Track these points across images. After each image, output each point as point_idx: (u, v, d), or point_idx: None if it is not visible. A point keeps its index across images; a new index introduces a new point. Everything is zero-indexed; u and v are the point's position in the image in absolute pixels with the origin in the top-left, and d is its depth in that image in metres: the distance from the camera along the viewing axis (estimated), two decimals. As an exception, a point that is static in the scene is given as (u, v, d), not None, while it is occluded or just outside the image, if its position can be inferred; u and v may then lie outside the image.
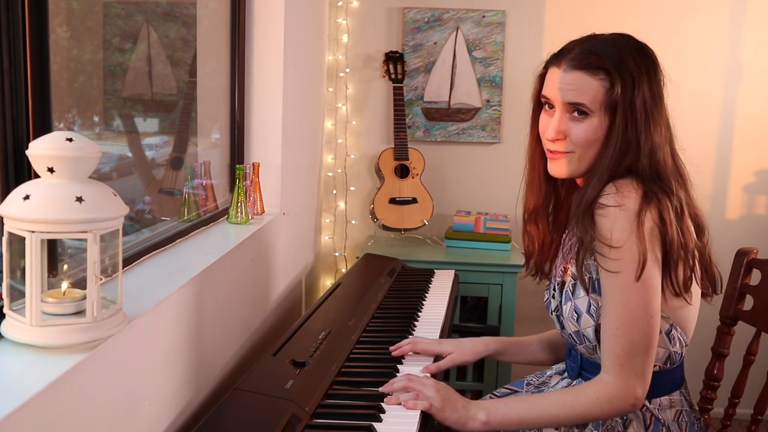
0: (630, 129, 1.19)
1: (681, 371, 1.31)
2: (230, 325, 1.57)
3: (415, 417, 1.16)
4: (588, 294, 1.24)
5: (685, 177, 1.26)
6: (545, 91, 1.27)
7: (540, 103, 1.31)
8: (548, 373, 1.49)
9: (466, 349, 1.47)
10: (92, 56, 1.35)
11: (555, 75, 1.24)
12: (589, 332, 1.25)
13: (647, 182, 1.19)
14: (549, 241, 1.39)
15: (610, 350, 1.18)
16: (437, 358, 1.45)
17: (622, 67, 1.20)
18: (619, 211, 1.15)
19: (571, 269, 1.29)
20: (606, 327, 1.19)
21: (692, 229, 1.21)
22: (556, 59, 1.26)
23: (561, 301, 1.31)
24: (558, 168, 1.27)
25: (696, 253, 1.21)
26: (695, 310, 1.28)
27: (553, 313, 1.35)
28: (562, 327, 1.32)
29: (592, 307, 1.24)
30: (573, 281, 1.27)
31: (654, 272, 1.16)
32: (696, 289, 1.25)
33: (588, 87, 1.20)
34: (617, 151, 1.20)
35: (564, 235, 1.38)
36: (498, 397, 1.51)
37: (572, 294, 1.27)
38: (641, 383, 1.18)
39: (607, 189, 1.19)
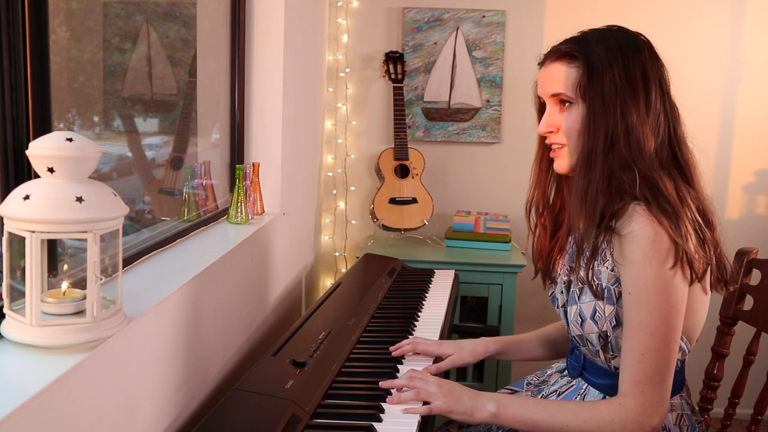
0: (600, 112, 1.19)
1: (682, 376, 1.31)
2: (230, 324, 1.57)
3: (415, 417, 1.17)
4: (595, 300, 1.23)
5: (689, 166, 1.23)
6: (537, 92, 1.32)
7: (542, 107, 1.33)
8: (548, 372, 1.49)
9: (466, 350, 1.47)
10: (92, 56, 1.35)
11: (540, 73, 1.30)
12: (593, 338, 1.24)
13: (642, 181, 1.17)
14: (553, 246, 1.38)
15: (632, 376, 1.16)
16: (437, 359, 1.45)
17: (588, 51, 1.21)
18: (645, 241, 1.13)
19: (580, 272, 1.27)
20: (630, 351, 1.16)
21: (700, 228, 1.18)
22: (542, 60, 1.31)
23: (567, 301, 1.30)
24: (559, 163, 1.29)
25: (712, 249, 1.18)
26: (703, 317, 1.26)
27: (560, 308, 1.35)
28: (568, 324, 1.32)
29: (597, 313, 1.22)
30: (580, 285, 1.26)
31: (683, 296, 1.16)
32: (705, 296, 1.24)
33: (562, 75, 1.24)
34: (594, 137, 1.19)
35: (571, 237, 1.37)
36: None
37: (578, 298, 1.26)
38: (659, 411, 1.16)
39: (630, 209, 1.16)
